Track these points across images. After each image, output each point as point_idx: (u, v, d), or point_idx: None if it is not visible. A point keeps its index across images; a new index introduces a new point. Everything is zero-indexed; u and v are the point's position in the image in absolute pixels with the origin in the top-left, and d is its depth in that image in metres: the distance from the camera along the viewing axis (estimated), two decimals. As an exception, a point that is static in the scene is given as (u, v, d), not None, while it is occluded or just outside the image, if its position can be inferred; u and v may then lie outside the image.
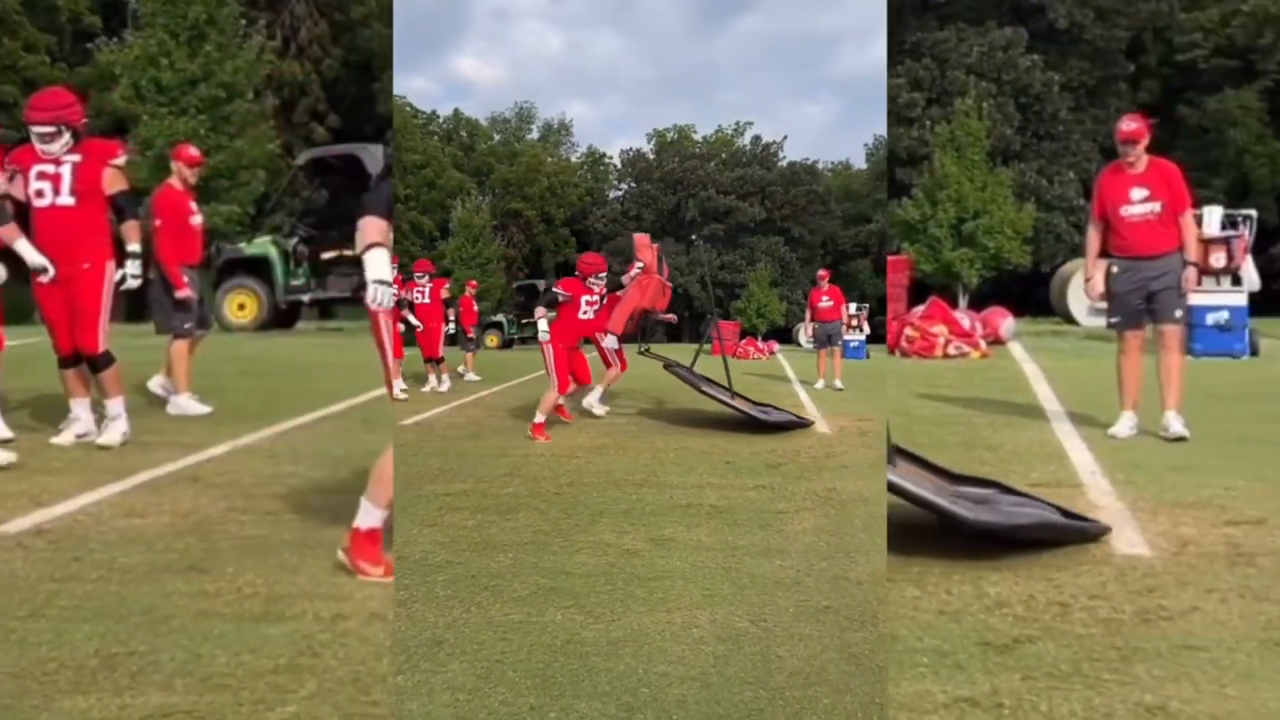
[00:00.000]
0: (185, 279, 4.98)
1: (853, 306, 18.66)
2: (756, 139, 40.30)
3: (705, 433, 5.51)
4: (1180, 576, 2.28)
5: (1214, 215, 13.37)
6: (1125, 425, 4.39)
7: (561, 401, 5.66)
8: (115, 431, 3.93)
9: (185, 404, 4.94)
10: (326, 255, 16.38)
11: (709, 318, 7.11)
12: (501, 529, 3.04)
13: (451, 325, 9.68)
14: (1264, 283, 13.67)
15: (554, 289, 5.75)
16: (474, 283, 14.53)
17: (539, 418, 5.25)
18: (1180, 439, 4.21)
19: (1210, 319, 12.66)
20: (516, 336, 26.98)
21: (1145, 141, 4.33)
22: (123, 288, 4.08)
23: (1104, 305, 4.63)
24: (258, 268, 16.25)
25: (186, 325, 5.04)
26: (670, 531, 3.01)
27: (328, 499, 3.10)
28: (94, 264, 3.90)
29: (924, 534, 2.64)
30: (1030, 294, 23.62)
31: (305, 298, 16.46)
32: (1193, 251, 4.36)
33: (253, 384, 6.59)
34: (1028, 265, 28.10)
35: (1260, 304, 14.67)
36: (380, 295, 2.37)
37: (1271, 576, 2.25)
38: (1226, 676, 1.72)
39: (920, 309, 11.82)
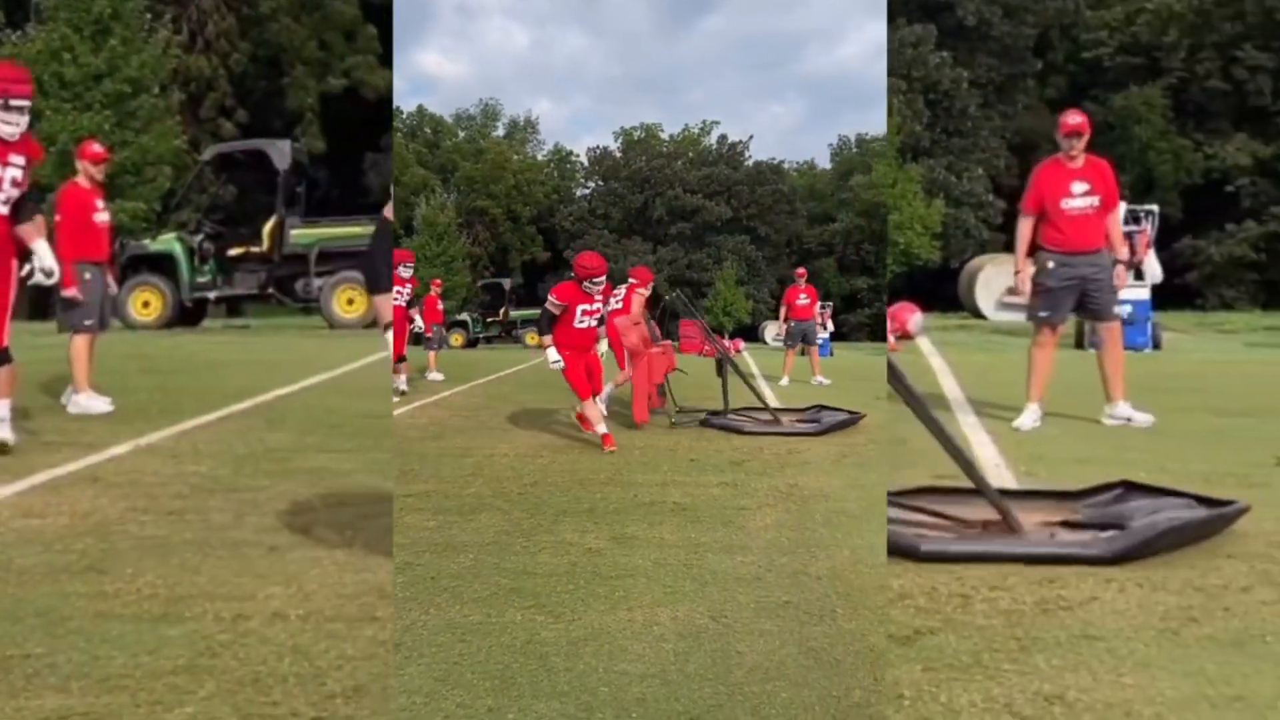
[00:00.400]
0: (77, 277, 4.83)
1: (817, 306, 18.95)
2: (723, 138, 40.56)
3: (669, 432, 5.53)
4: (1080, 567, 2.31)
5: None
6: (1030, 417, 4.50)
7: (586, 410, 4.96)
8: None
9: (86, 403, 4.83)
10: (233, 252, 16.20)
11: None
12: (463, 530, 3.01)
13: (417, 324, 9.54)
14: (1166, 277, 14.20)
15: (550, 300, 4.91)
16: (438, 281, 14.37)
17: (601, 428, 4.83)
18: (1125, 422, 4.38)
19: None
20: (481, 335, 26.71)
21: (1088, 136, 4.43)
22: (30, 282, 3.92)
23: (1017, 300, 4.77)
24: (162, 265, 15.99)
25: (86, 322, 4.92)
26: (633, 530, 3.01)
27: (230, 498, 3.06)
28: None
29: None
30: (940, 289, 24.03)
31: (211, 295, 16.27)
32: (1121, 249, 4.49)
33: (156, 382, 6.45)
34: (937, 261, 28.69)
35: (1164, 298, 15.20)
36: None
37: (1168, 567, 2.31)
38: (1124, 666, 1.76)
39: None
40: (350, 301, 15.24)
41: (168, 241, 16.20)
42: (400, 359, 8.46)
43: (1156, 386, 6.84)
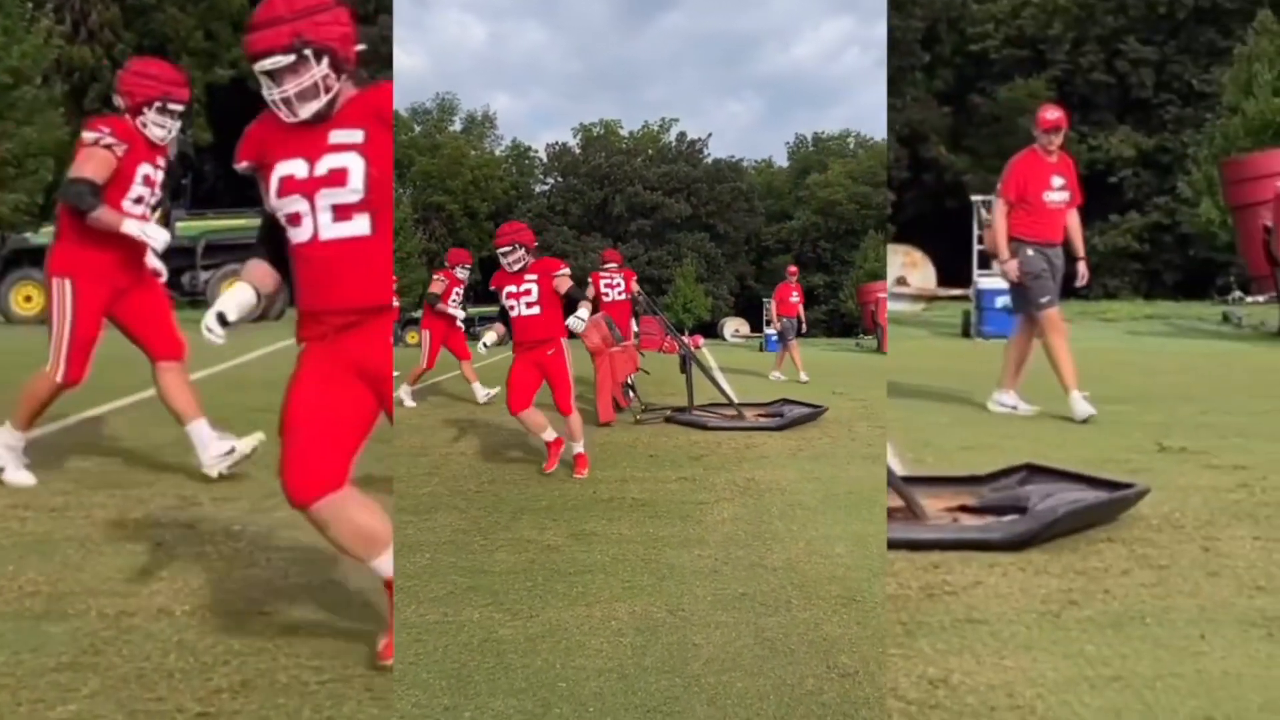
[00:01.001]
0: None
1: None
2: (682, 136, 40.69)
3: (629, 428, 5.54)
4: (964, 553, 2.37)
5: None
6: (1009, 400, 4.67)
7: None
8: None
9: None
10: None
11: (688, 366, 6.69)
12: (419, 529, 2.98)
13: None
14: None
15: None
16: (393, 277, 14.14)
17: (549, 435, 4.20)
18: (1014, 412, 4.56)
19: (999, 302, 13.59)
20: (440, 333, 26.28)
21: (1065, 131, 4.53)
22: None
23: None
24: (45, 258, 15.57)
25: None
26: (592, 526, 3.01)
27: (115, 494, 3.01)
28: None
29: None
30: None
31: None
32: (1081, 246, 4.64)
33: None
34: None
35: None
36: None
37: (1050, 551, 2.39)
38: (1006, 648, 1.82)
39: None
40: None
41: (51, 235, 15.80)
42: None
43: (1041, 371, 7.10)
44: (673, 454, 4.49)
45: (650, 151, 40.14)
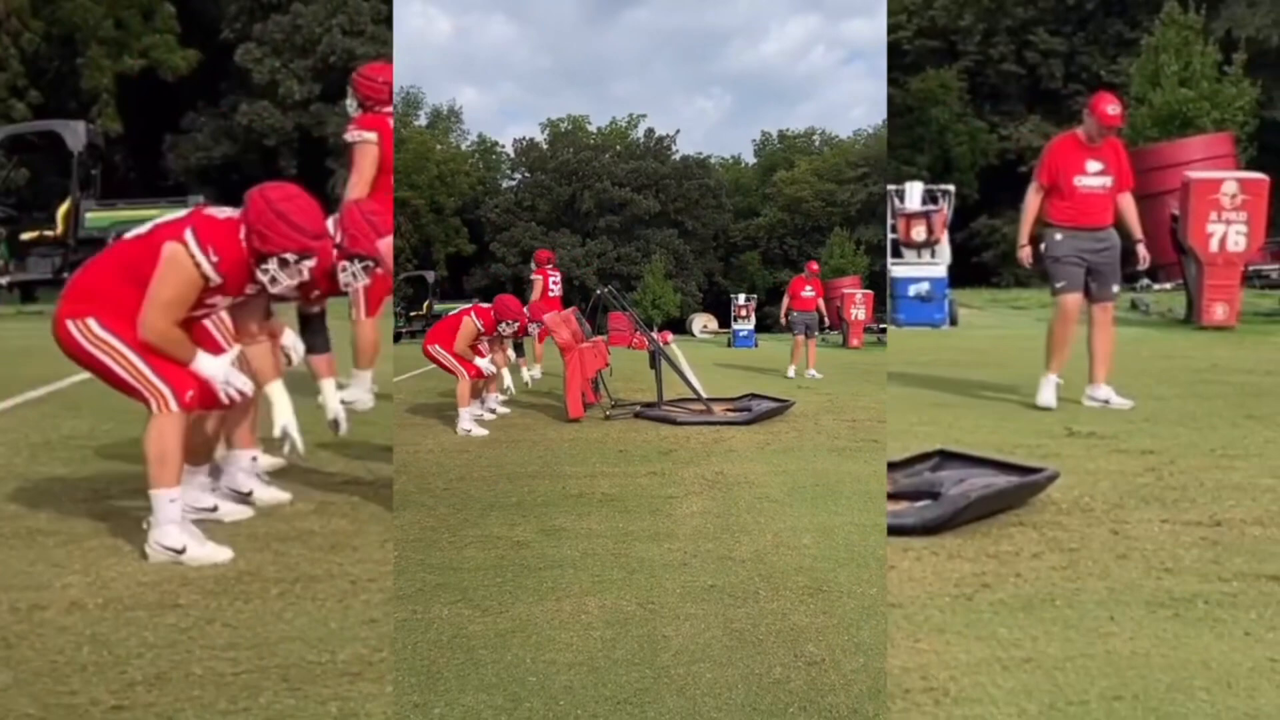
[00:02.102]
0: None
1: (741, 297, 19.38)
2: (650, 132, 40.68)
3: (599, 423, 5.54)
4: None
5: (915, 190, 14.61)
6: (1050, 392, 4.44)
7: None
8: None
9: None
10: (26, 236, 15.57)
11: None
12: (387, 527, 2.94)
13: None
14: (965, 256, 15.23)
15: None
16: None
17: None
18: (1104, 404, 4.33)
19: (912, 290, 13.91)
20: (405, 330, 26.03)
21: (1118, 126, 4.40)
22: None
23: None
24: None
25: None
26: (561, 521, 3.01)
27: (25, 487, 2.96)
28: None
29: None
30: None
31: (3, 280, 15.52)
32: (1138, 229, 4.45)
33: (-57, 368, 6.01)
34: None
35: (961, 276, 16.14)
36: None
37: (963, 535, 2.46)
38: (920, 631, 1.87)
39: None
40: None
41: None
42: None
43: (955, 360, 7.27)
44: (642, 449, 4.51)
45: (618, 147, 40.05)
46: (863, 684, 1.76)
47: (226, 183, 27.79)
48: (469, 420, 5.09)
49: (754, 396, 6.20)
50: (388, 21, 28.23)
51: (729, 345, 18.24)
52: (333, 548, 2.47)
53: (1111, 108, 4.40)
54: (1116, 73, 25.48)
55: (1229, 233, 8.57)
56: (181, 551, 2.32)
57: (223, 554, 2.36)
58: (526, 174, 40.35)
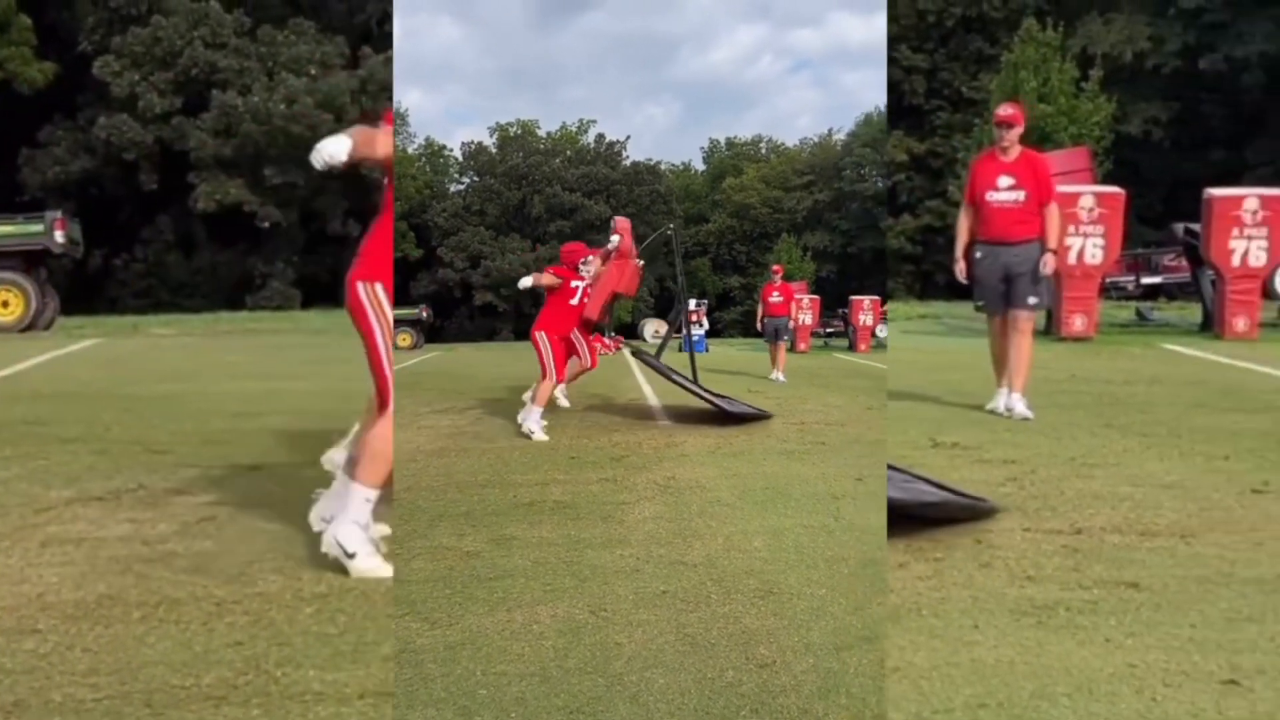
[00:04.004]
0: None
1: (692, 303, 19.55)
2: (600, 137, 40.74)
3: (550, 429, 5.51)
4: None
5: None
6: (1002, 402, 4.55)
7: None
8: None
9: None
10: None
11: (676, 307, 7.09)
12: (252, 547, 2.85)
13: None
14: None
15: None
16: None
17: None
18: (1025, 419, 4.41)
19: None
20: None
21: (1020, 128, 4.54)
22: None
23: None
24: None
25: None
26: (512, 530, 2.98)
27: None
28: None
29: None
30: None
31: None
32: (1053, 240, 4.57)
33: None
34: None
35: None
36: None
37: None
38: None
39: None
40: (4, 304, 13.88)
41: None
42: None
43: (818, 370, 7.53)
44: (594, 455, 4.50)
45: (569, 152, 39.99)
46: (813, 684, 1.79)
47: (85, 197, 26.59)
48: (536, 421, 5.07)
49: (732, 400, 6.16)
50: (370, 30, 27.44)
51: (680, 349, 18.36)
52: (196, 570, 2.38)
53: (1002, 109, 4.62)
54: (978, 89, 26.51)
55: (1086, 245, 8.83)
56: (352, 556, 2.31)
57: (385, 570, 2.33)
58: (475, 178, 39.94)
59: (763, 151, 43.84)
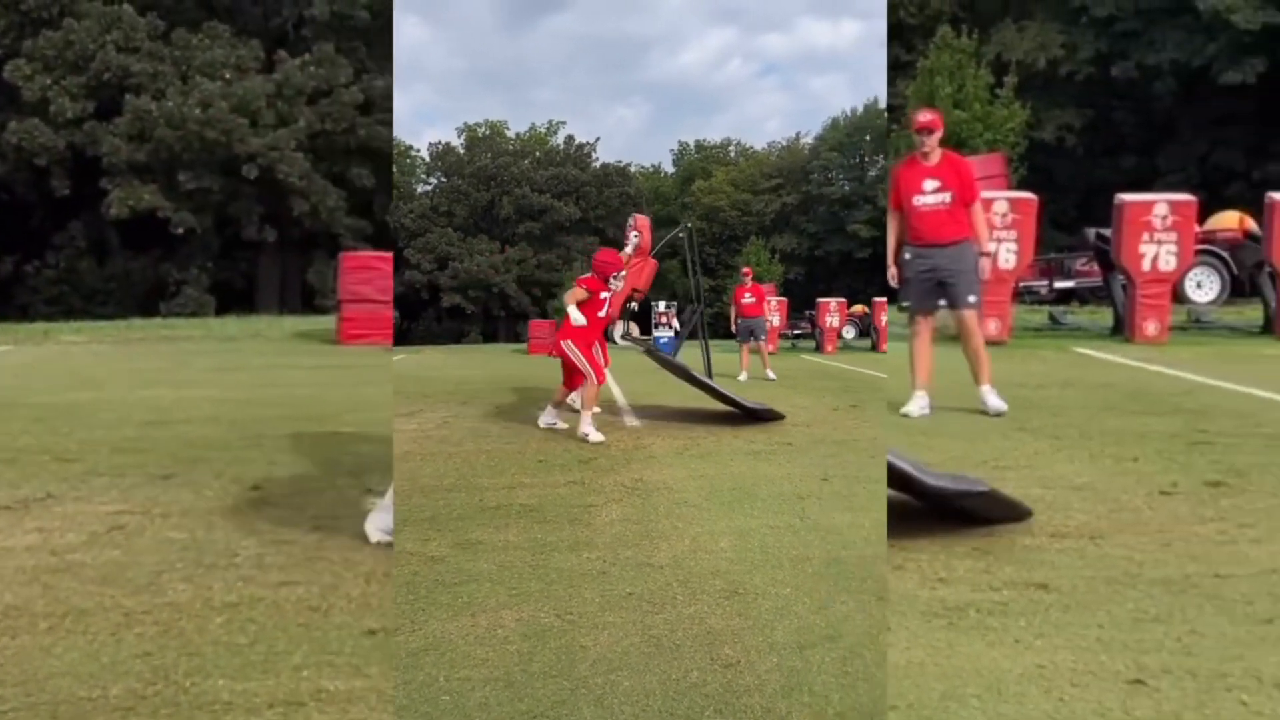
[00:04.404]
0: None
1: (661, 305, 19.61)
2: (570, 139, 40.68)
3: (517, 433, 5.47)
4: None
5: None
6: (916, 405, 4.61)
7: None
8: None
9: None
10: None
11: (690, 308, 7.12)
12: (163, 558, 2.79)
13: None
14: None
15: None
16: None
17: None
18: (1000, 414, 4.46)
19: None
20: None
21: (939, 132, 4.63)
22: None
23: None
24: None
25: None
26: (477, 535, 2.95)
27: None
28: None
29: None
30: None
31: None
32: (984, 240, 4.64)
33: None
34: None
35: None
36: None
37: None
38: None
39: None
40: None
41: None
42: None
43: (786, 371, 7.61)
44: (562, 458, 4.48)
45: (538, 154, 39.87)
46: (776, 683, 1.80)
47: (-5, 202, 25.79)
48: (590, 424, 5.03)
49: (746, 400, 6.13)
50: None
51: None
52: (104, 580, 2.33)
53: (921, 115, 4.72)
54: (895, 94, 27.08)
55: (1001, 250, 8.93)
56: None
57: None
58: (443, 179, 39.61)
59: (732, 154, 44.19)
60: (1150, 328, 8.90)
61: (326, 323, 15.69)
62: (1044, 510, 2.82)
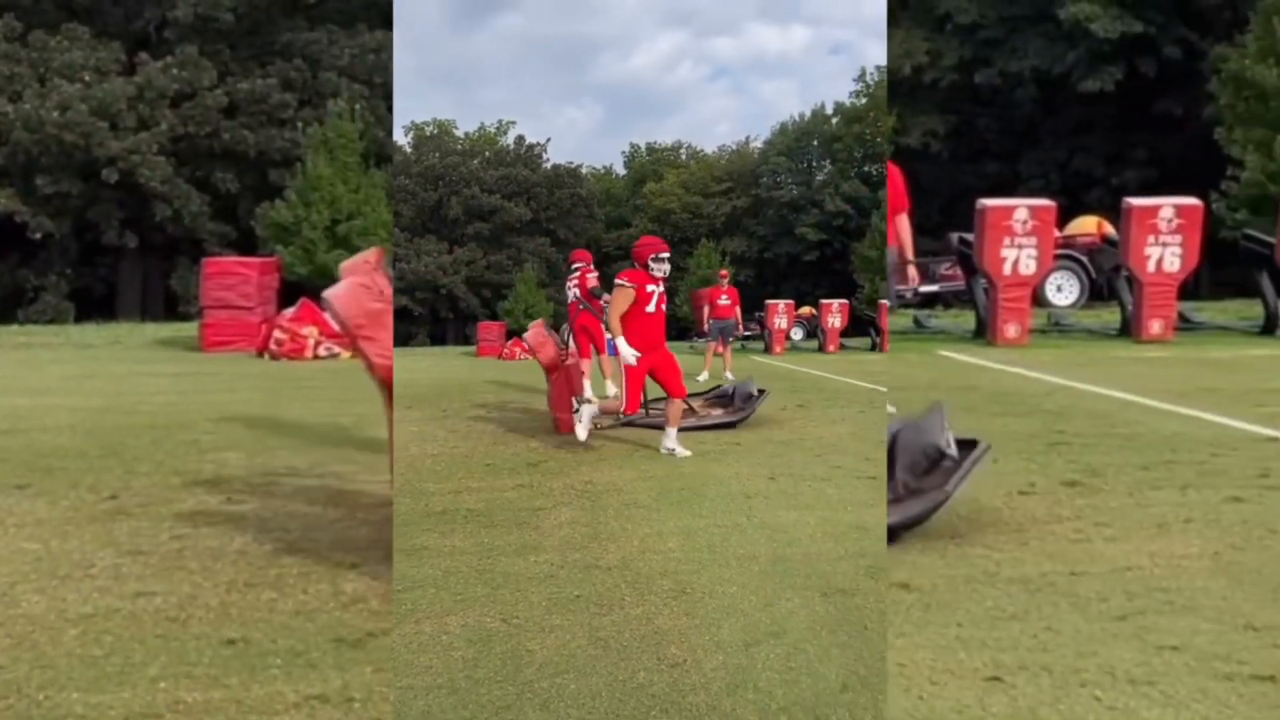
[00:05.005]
0: None
1: (615, 306, 19.58)
2: (520, 139, 40.34)
3: (464, 436, 5.40)
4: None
5: None
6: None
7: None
8: None
9: None
10: None
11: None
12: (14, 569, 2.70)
13: None
14: None
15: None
16: None
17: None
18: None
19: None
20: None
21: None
22: None
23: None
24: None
25: None
26: (423, 540, 2.90)
27: None
28: None
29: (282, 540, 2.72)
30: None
31: None
32: (909, 250, 4.77)
33: None
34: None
35: None
36: None
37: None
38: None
39: (290, 311, 12.20)
40: None
41: None
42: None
43: (735, 372, 7.87)
44: (510, 462, 4.44)
45: (488, 154, 39.42)
46: (722, 681, 1.82)
47: None
48: (674, 442, 4.53)
49: (717, 386, 6.14)
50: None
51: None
52: None
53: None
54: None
55: None
56: None
57: None
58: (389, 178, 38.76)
59: (683, 157, 44.48)
60: (1011, 330, 9.08)
61: (189, 330, 15.27)
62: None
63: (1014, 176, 26.72)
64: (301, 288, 18.54)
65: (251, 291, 13.25)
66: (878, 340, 18.60)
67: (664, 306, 4.51)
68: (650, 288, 4.43)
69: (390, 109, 28.67)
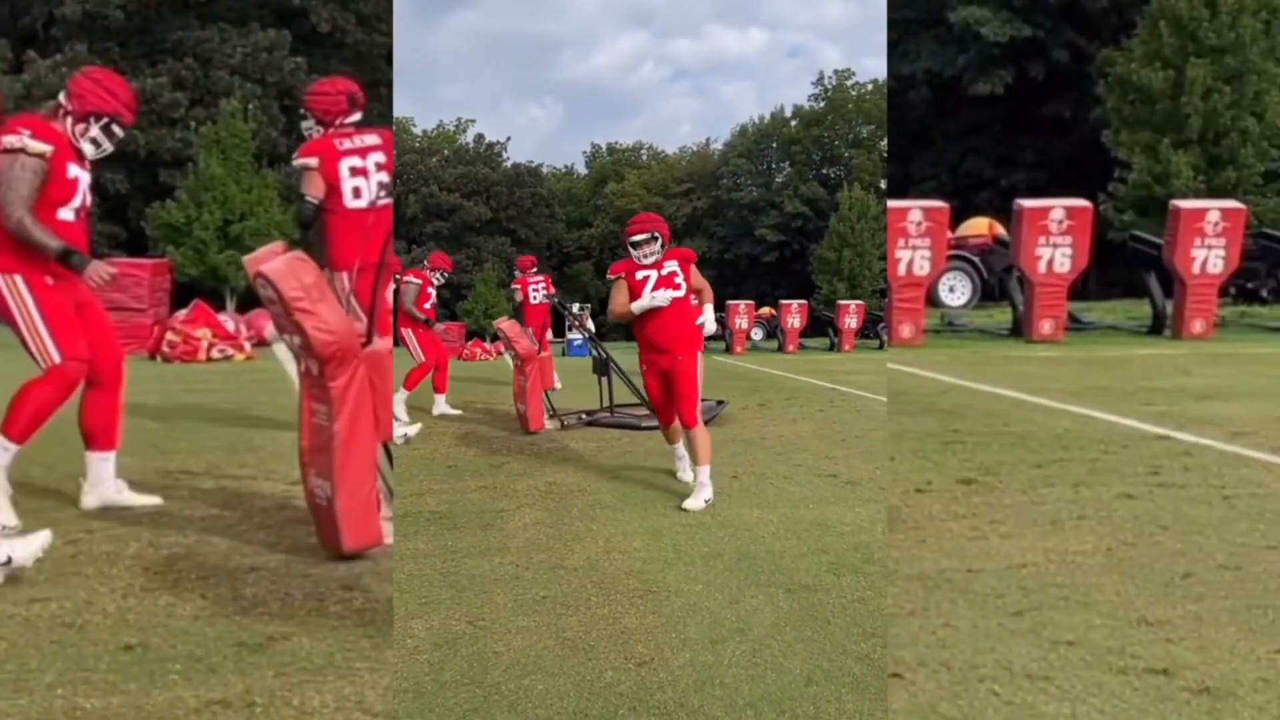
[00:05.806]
0: None
1: (575, 307, 19.52)
2: (480, 137, 39.92)
3: (428, 438, 5.33)
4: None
5: None
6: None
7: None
8: None
9: None
10: None
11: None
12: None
13: None
14: None
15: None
16: None
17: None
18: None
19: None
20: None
21: None
22: None
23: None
24: None
25: None
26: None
27: None
28: None
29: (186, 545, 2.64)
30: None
31: None
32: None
33: None
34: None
35: None
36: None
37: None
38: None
39: (183, 313, 12.25)
40: None
41: None
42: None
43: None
44: (473, 464, 4.40)
45: (446, 152, 38.92)
46: (689, 678, 1.84)
47: None
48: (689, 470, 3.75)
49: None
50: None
51: (563, 354, 18.29)
52: None
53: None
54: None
55: None
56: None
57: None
58: (345, 175, 37.97)
59: (644, 158, 44.55)
60: (905, 331, 9.28)
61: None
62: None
63: (906, 178, 27.08)
64: (194, 289, 17.93)
65: (143, 293, 12.74)
66: (836, 340, 18.98)
67: (677, 297, 3.50)
68: (642, 274, 3.52)
69: (282, 109, 27.62)
